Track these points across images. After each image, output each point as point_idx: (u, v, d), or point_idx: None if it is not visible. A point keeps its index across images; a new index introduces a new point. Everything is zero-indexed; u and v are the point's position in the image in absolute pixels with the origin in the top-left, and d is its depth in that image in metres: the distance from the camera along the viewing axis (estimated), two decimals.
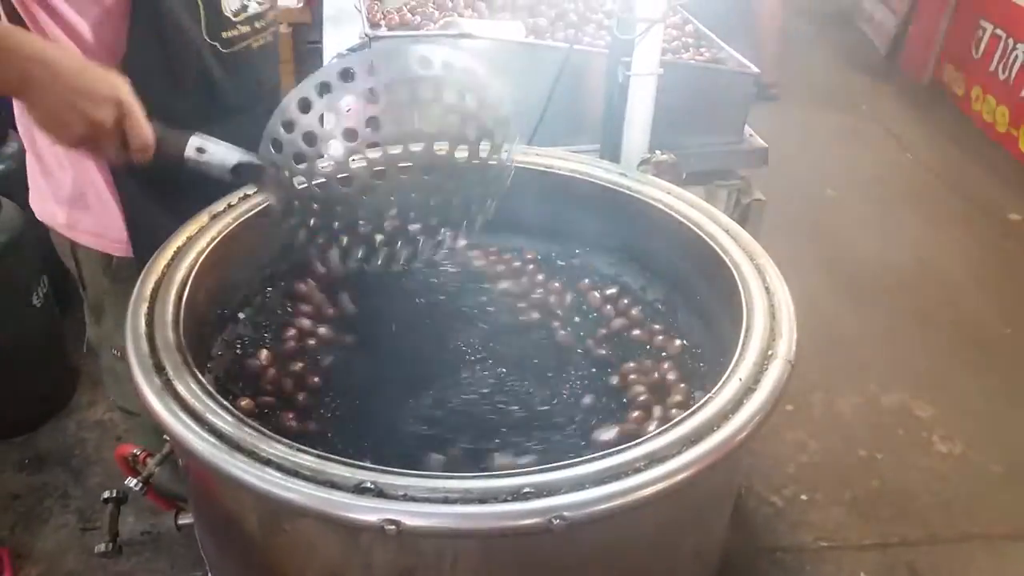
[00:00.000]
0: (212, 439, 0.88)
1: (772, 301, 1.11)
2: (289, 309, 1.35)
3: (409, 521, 0.80)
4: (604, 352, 1.27)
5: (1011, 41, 4.16)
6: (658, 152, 1.45)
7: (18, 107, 1.39)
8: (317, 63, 2.29)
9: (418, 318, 1.25)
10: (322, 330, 1.29)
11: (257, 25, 1.41)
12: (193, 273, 1.14)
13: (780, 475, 2.34)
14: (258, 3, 1.39)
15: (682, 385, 1.18)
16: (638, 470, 0.86)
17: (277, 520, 0.94)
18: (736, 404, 0.95)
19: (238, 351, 1.26)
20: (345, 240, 1.14)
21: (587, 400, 1.18)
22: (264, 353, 1.23)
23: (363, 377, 1.20)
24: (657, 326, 1.33)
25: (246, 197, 1.30)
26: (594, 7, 2.13)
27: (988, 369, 2.74)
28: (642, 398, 1.16)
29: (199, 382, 0.96)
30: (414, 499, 0.82)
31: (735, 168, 1.85)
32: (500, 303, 1.31)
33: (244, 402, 1.12)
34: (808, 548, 2.13)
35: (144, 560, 2.09)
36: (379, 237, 1.14)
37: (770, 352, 1.02)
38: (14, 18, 1.22)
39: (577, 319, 1.34)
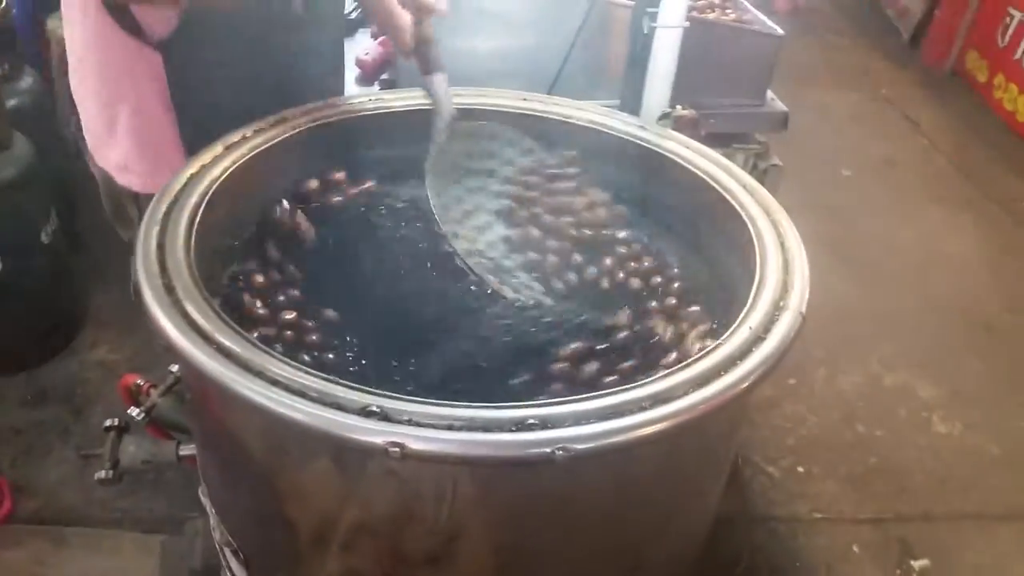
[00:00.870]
0: (221, 358, 0.88)
1: (786, 256, 1.10)
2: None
3: (413, 445, 0.80)
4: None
5: None
6: (679, 107, 1.44)
7: (74, 78, 1.38)
8: None
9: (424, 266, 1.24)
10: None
11: None
12: (205, 200, 1.14)
13: (778, 447, 2.35)
14: None
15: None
16: (643, 408, 0.85)
17: (282, 443, 0.94)
18: (745, 352, 0.94)
19: (240, 284, 1.24)
20: None
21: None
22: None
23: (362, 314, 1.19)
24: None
25: (260, 131, 1.29)
26: None
27: (992, 354, 2.75)
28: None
29: (208, 303, 0.96)
30: (419, 424, 0.82)
31: (754, 132, 1.83)
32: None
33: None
34: (803, 519, 2.15)
35: (142, 499, 2.11)
36: None
37: (782, 303, 1.01)
38: None
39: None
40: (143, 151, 1.39)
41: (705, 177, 1.27)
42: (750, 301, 1.02)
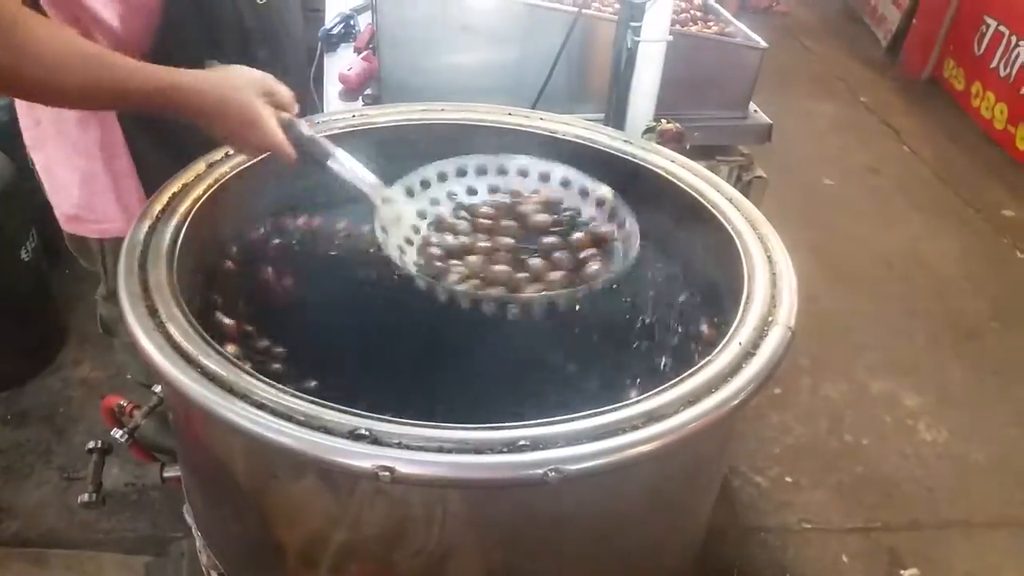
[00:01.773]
0: (205, 381, 0.87)
1: (774, 269, 1.10)
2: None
3: (403, 468, 0.79)
4: None
5: (1014, 38, 4.16)
6: (663, 121, 1.44)
7: (24, 117, 1.39)
8: (314, 31, 2.26)
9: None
10: None
11: None
12: (188, 220, 1.12)
13: (765, 456, 2.35)
14: None
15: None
16: (635, 427, 0.85)
17: (269, 466, 0.92)
18: (735, 368, 0.94)
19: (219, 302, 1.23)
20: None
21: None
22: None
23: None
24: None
25: None
26: None
27: (976, 361, 2.76)
28: None
29: (192, 325, 0.94)
30: (409, 447, 0.81)
31: (738, 144, 1.84)
32: None
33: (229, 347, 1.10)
34: (792, 529, 2.14)
35: (125, 519, 2.07)
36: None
37: (770, 318, 1.01)
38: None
39: None
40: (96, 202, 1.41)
41: (691, 192, 1.27)
42: (739, 316, 1.02)
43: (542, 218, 1.19)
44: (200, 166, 1.23)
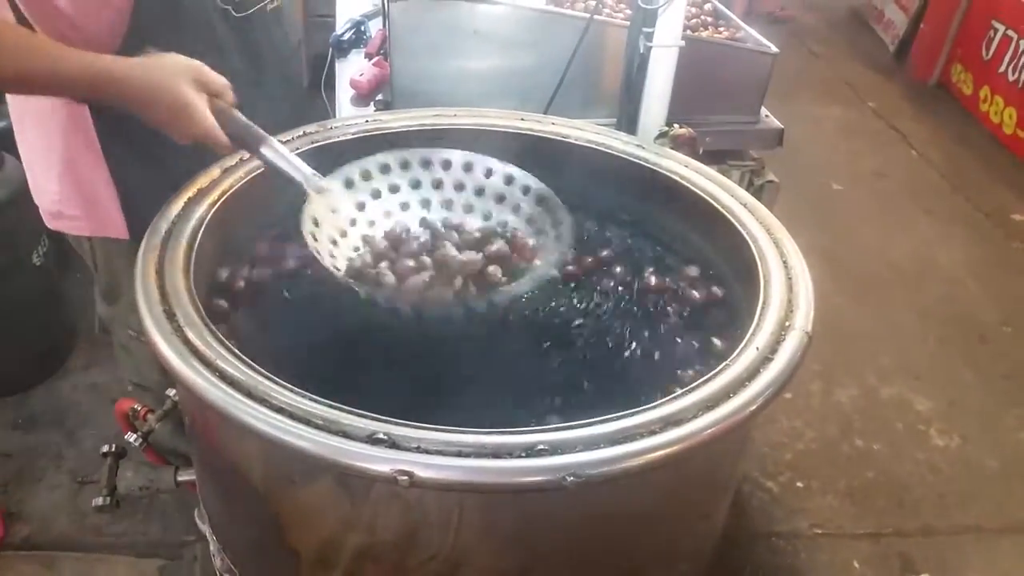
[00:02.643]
0: (224, 386, 0.87)
1: (790, 274, 1.10)
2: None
3: (422, 473, 0.79)
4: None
5: (1023, 43, 4.16)
6: (676, 125, 1.44)
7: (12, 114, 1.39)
8: (325, 37, 2.27)
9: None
10: None
11: None
12: (204, 224, 1.13)
13: (776, 462, 2.34)
14: None
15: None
16: (653, 432, 0.85)
17: (287, 470, 0.92)
18: (752, 373, 0.94)
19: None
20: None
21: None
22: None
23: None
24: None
25: None
26: None
27: (987, 366, 2.75)
28: None
29: (210, 330, 0.95)
30: (427, 451, 0.81)
31: (749, 149, 1.84)
32: None
33: None
34: (803, 535, 2.14)
35: (136, 523, 2.08)
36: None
37: (787, 323, 1.01)
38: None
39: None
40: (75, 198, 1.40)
41: (705, 196, 1.27)
42: (755, 321, 1.02)
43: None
44: (215, 171, 1.24)
